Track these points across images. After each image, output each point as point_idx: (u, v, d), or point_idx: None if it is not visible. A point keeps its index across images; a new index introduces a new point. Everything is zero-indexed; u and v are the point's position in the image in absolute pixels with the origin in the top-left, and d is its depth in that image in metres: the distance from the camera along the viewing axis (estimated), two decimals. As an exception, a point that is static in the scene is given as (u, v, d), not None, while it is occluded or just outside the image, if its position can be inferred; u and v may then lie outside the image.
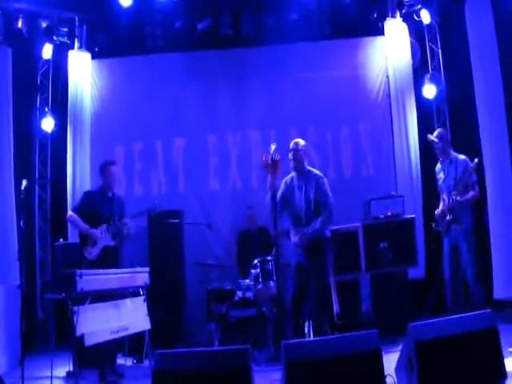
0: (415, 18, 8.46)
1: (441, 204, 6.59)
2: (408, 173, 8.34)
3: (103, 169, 6.38)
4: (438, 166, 6.71)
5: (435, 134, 6.63)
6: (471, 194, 6.27)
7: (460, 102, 8.21)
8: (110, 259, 6.07)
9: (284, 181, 6.07)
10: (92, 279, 5.25)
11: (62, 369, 5.99)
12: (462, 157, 6.45)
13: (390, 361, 4.13)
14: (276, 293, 5.80)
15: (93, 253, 6.06)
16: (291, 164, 6.00)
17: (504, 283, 6.77)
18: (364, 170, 8.66)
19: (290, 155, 5.99)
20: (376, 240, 6.48)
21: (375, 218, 7.05)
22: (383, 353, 3.67)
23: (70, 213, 6.35)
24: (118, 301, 5.77)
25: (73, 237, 7.65)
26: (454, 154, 6.52)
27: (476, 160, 6.12)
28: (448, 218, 6.39)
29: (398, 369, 4.02)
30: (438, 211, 6.59)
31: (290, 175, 6.08)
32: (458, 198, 6.21)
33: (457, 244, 6.36)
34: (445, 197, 6.51)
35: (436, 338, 3.66)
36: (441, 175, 6.63)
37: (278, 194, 5.87)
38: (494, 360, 3.64)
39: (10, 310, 6.38)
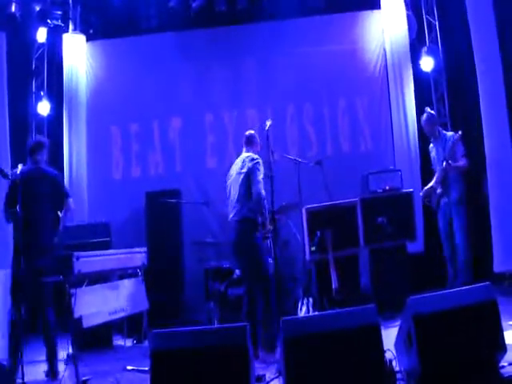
0: (412, -10, 8.35)
1: (432, 181, 6.69)
2: (406, 146, 8.28)
3: None
4: (431, 145, 6.84)
5: (423, 117, 6.75)
6: (462, 162, 6.39)
7: (458, 73, 8.15)
8: None
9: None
10: (89, 261, 5.27)
11: (63, 352, 5.97)
12: (449, 133, 6.66)
13: (390, 336, 4.11)
14: (274, 270, 5.73)
15: None
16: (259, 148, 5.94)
17: (503, 256, 6.74)
18: (362, 144, 8.57)
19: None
20: (374, 214, 6.43)
21: (373, 193, 7.04)
22: (383, 328, 3.66)
23: None
24: (116, 282, 5.78)
25: (69, 220, 7.59)
26: (443, 132, 6.71)
27: (460, 132, 6.28)
28: (438, 191, 6.54)
29: (397, 343, 4.00)
30: (427, 187, 6.73)
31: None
32: (450, 161, 6.30)
33: (451, 218, 6.51)
34: (436, 174, 6.61)
35: (435, 311, 3.62)
36: (433, 153, 6.78)
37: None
38: (493, 333, 3.60)
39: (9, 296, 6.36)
